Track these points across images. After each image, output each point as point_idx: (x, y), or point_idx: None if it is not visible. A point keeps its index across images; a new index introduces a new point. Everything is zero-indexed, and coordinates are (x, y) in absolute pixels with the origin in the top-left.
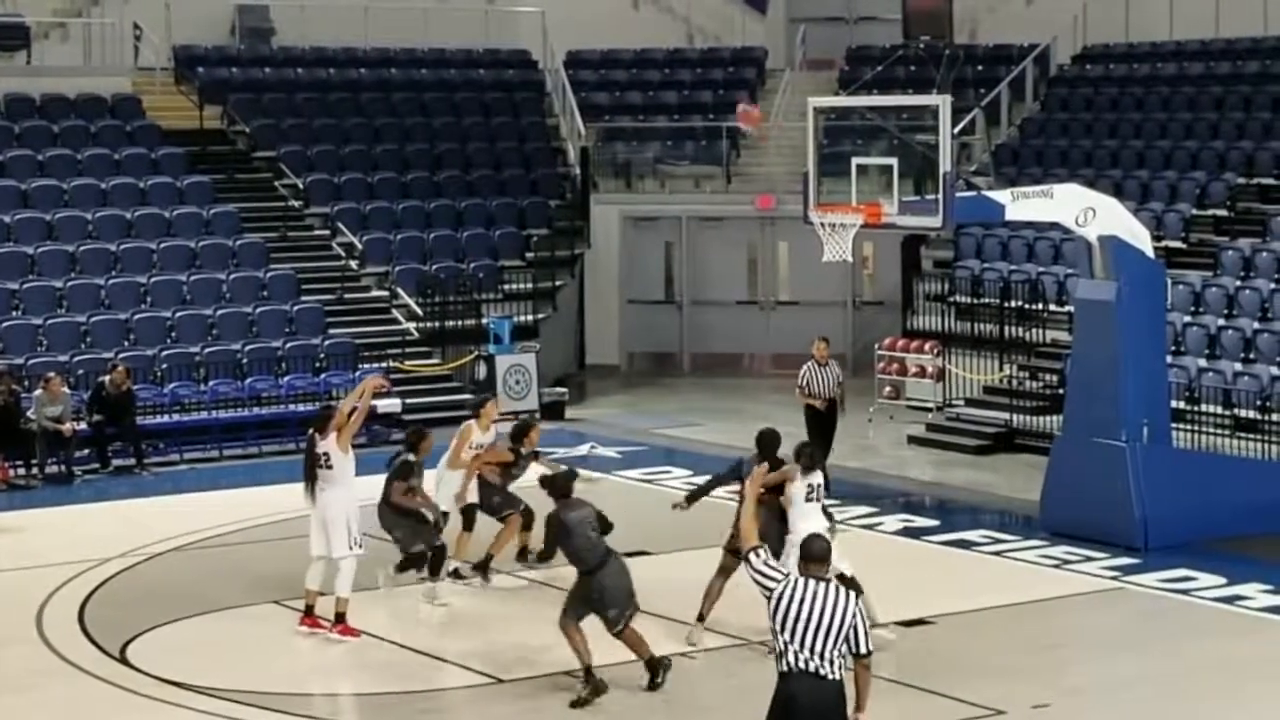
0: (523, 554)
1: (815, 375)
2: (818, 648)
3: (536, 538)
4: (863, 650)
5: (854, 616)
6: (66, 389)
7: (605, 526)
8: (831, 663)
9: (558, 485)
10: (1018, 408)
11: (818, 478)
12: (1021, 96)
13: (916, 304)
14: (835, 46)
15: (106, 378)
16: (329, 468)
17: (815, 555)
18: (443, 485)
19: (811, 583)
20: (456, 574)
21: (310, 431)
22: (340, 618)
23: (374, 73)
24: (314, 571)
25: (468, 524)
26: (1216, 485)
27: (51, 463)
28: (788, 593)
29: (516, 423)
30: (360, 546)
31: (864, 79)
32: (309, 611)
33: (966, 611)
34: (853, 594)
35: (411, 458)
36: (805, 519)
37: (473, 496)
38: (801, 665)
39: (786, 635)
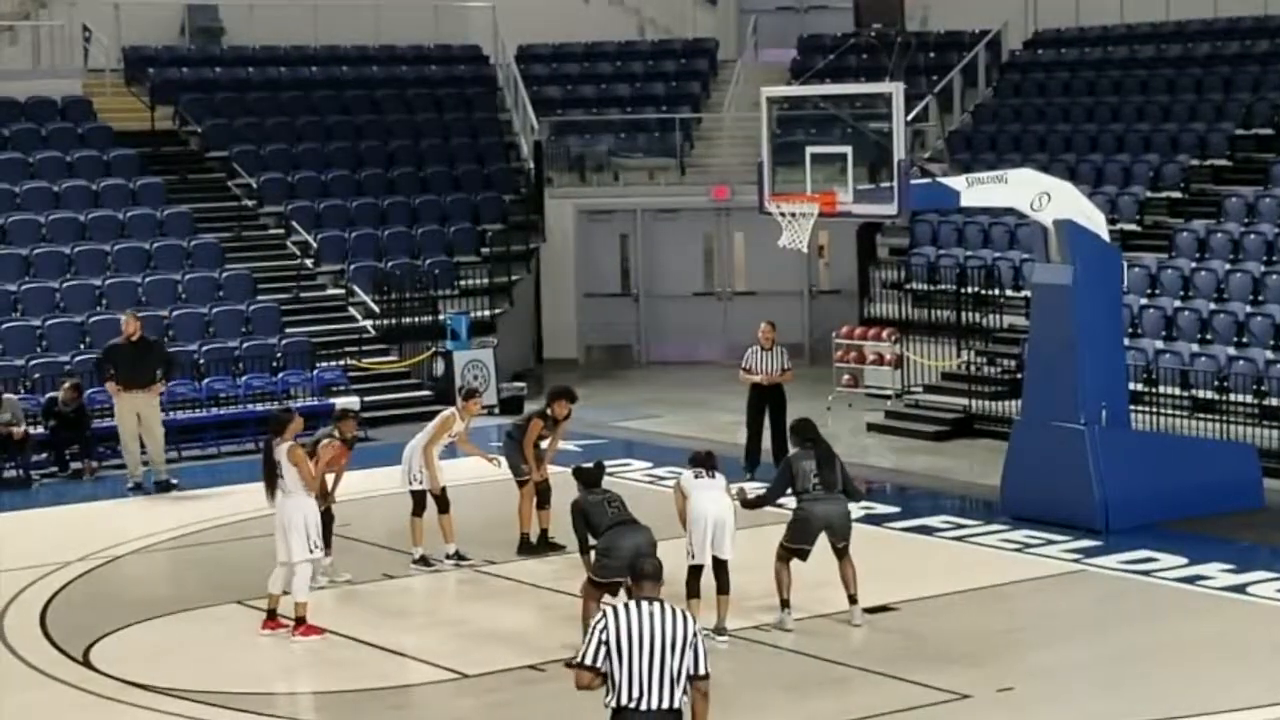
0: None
1: (758, 360)
2: (654, 676)
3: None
4: (701, 671)
5: (693, 635)
6: (13, 395)
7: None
8: (670, 691)
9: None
10: (976, 393)
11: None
12: (974, 83)
13: (873, 292)
14: (787, 36)
15: (58, 393)
16: (282, 476)
17: (646, 574)
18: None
19: (645, 605)
20: (425, 560)
21: (268, 436)
22: (300, 620)
23: (325, 70)
24: (276, 575)
25: (443, 506)
26: (1176, 466)
27: (9, 467)
28: (613, 623)
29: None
30: (318, 550)
31: (816, 68)
32: (271, 615)
33: (929, 597)
34: (689, 613)
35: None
36: (694, 492)
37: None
38: (637, 698)
39: (620, 667)
